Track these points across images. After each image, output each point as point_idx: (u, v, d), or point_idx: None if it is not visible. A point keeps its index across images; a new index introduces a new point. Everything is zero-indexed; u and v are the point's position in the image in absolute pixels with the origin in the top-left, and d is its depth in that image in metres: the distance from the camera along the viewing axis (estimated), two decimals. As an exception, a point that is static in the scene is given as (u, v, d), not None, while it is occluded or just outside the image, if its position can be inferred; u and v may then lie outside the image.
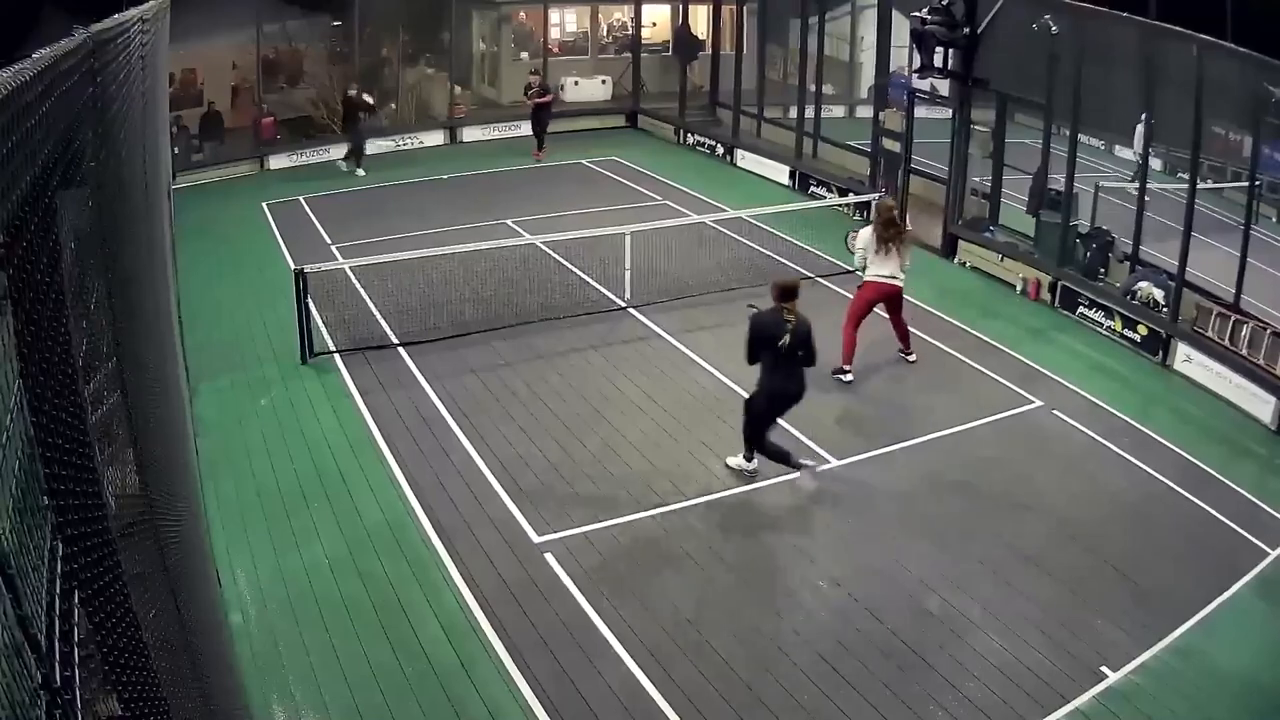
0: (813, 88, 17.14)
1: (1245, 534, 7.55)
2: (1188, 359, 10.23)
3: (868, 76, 17.68)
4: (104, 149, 3.11)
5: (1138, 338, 10.81)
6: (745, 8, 19.28)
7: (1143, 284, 11.00)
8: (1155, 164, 11.31)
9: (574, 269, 12.24)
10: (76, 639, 2.21)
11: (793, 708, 5.75)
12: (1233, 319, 9.94)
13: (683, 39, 20.61)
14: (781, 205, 14.21)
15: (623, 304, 11.40)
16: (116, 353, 2.98)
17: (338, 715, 5.66)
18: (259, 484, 7.93)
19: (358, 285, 11.55)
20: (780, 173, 17.14)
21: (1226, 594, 6.87)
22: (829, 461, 8.35)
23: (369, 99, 17.17)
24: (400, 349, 10.28)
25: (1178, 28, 9.93)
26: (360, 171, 16.92)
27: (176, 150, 15.05)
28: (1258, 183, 11.04)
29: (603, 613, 6.49)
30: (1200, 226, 10.49)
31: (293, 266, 10.43)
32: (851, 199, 14.52)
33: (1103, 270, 11.79)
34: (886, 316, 9.99)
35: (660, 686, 5.88)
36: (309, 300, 10.00)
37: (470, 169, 17.41)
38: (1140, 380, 10.28)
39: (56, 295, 2.06)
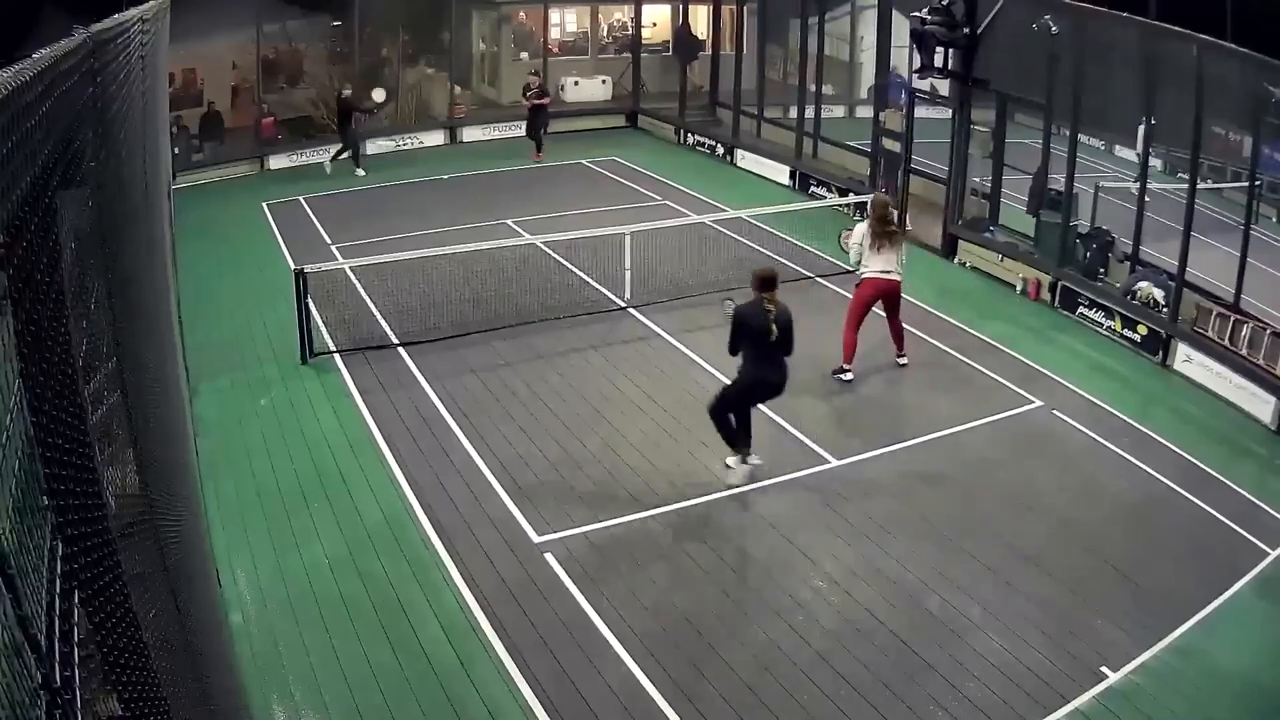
0: (813, 88, 17.14)
1: (1245, 534, 7.55)
2: (1188, 359, 10.24)
3: (868, 76, 17.68)
4: (104, 149, 3.11)
5: (1138, 338, 10.81)
6: (745, 8, 19.28)
7: (1143, 284, 11.00)
8: (1155, 164, 11.30)
9: (574, 269, 12.24)
10: (76, 639, 2.21)
11: (792, 707, 5.75)
12: (1233, 319, 9.95)
13: (683, 39, 20.61)
14: (781, 205, 14.21)
15: (622, 304, 11.40)
16: (116, 353, 2.98)
17: (338, 715, 5.66)
18: (259, 484, 7.93)
19: (358, 285, 11.55)
20: (780, 173, 17.14)
21: (1226, 594, 6.87)
22: (829, 461, 8.36)
23: (375, 98, 17.16)
24: (400, 349, 10.29)
25: (1178, 28, 9.93)
26: (360, 171, 16.91)
27: (176, 150, 15.05)
28: (1258, 183, 11.04)
29: (603, 613, 6.49)
30: (1200, 226, 10.49)
31: (293, 266, 10.43)
32: (851, 199, 14.51)
33: (1103, 270, 11.79)
34: (884, 315, 9.97)
35: (660, 686, 5.88)
36: (309, 300, 10.00)
37: (470, 169, 17.41)
38: (1140, 380, 10.29)
39: (56, 295, 2.06)
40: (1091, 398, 9.60)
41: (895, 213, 10.27)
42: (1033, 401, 9.49)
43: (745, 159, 18.06)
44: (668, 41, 21.54)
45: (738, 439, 7.87)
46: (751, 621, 6.48)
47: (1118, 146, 14.81)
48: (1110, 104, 11.62)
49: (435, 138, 19.35)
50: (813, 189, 16.22)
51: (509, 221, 14.21)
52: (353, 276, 11.56)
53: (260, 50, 17.52)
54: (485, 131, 19.52)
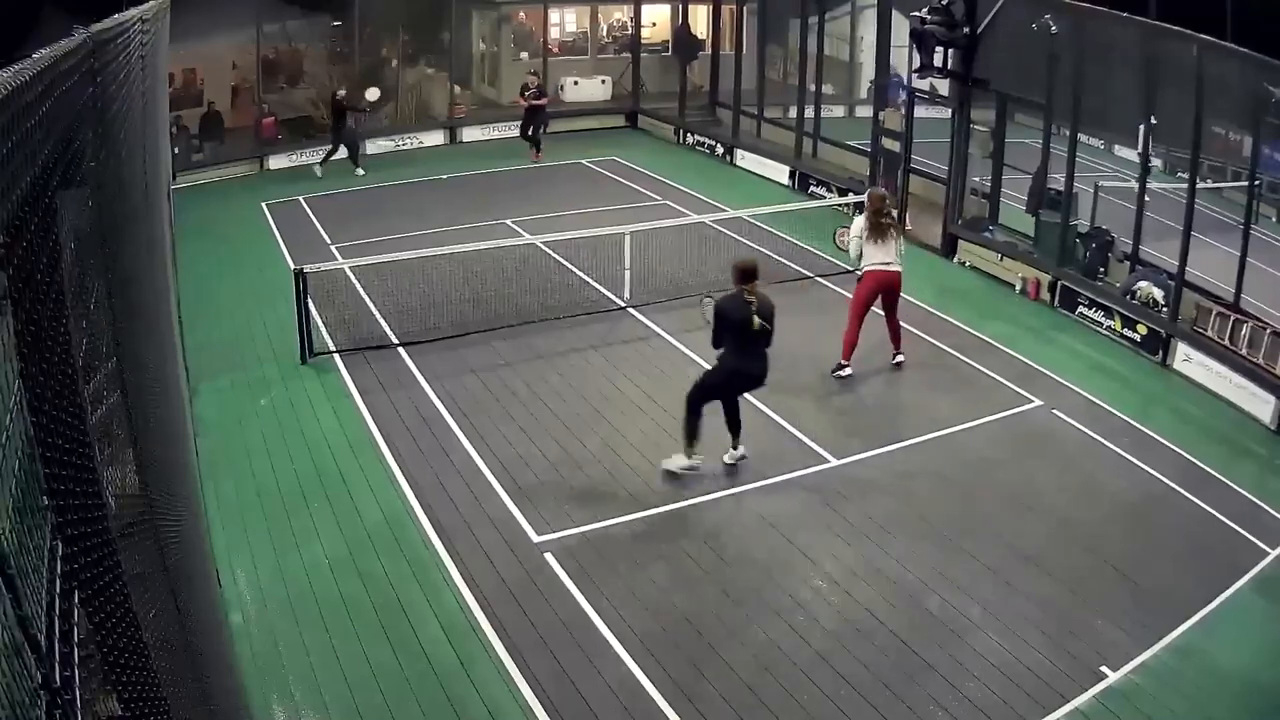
0: (813, 88, 17.15)
1: (1245, 534, 7.55)
2: (1187, 359, 10.24)
3: (867, 76, 17.68)
4: (104, 149, 3.11)
5: (1137, 337, 10.81)
6: (745, 8, 19.28)
7: (1142, 283, 11.00)
8: (1155, 163, 11.30)
9: (574, 269, 12.24)
10: (76, 639, 2.21)
11: (792, 707, 5.75)
12: (1232, 319, 9.95)
13: (682, 39, 20.61)
14: (781, 205, 14.21)
15: (622, 304, 11.40)
16: (116, 353, 2.98)
17: (338, 715, 5.66)
18: (259, 484, 7.93)
19: (357, 285, 11.55)
20: (780, 173, 17.14)
21: (1226, 594, 6.87)
22: (829, 461, 8.36)
23: (369, 97, 17.14)
24: (400, 349, 10.29)
25: (1178, 28, 9.93)
26: (360, 171, 16.91)
27: (176, 150, 15.04)
28: (1258, 182, 11.04)
29: (602, 612, 6.49)
30: (1200, 226, 10.50)
31: (292, 266, 10.43)
32: (851, 198, 14.50)
33: (1102, 270, 11.79)
34: (882, 314, 9.96)
35: (660, 686, 5.88)
36: (309, 300, 10.00)
37: (470, 169, 17.41)
38: (1140, 380, 10.29)
39: (56, 295, 2.06)
40: (1091, 397, 9.60)
41: (891, 204, 10.26)
42: (1032, 401, 9.49)
43: (745, 159, 18.06)
44: (667, 41, 21.53)
45: (698, 436, 7.94)
46: (751, 621, 6.48)
47: (1117, 146, 14.80)
48: (1110, 104, 11.62)
49: (435, 138, 19.34)
50: (812, 189, 16.22)
51: (508, 221, 14.21)
52: (352, 276, 11.56)
53: (260, 50, 17.51)
54: (485, 131, 19.51)
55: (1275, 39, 9.00)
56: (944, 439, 8.78)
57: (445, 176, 16.99)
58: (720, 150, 18.72)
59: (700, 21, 20.89)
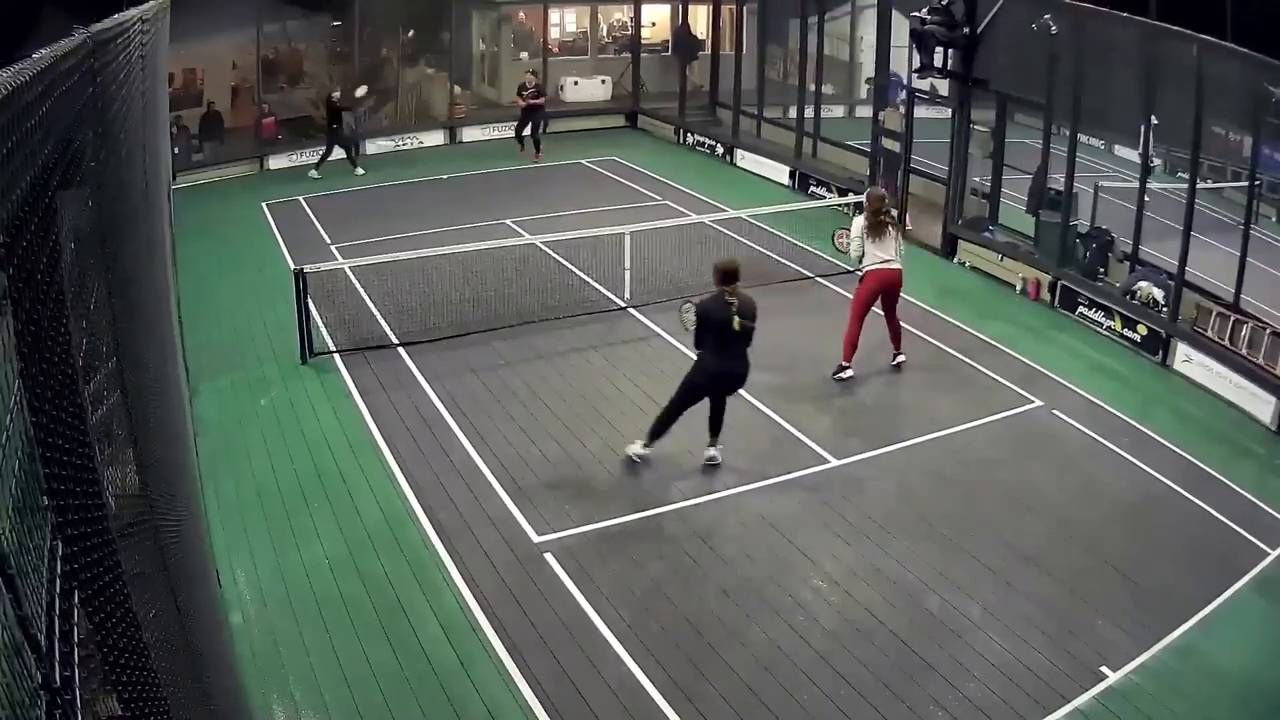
0: (812, 88, 17.15)
1: (1245, 534, 7.55)
2: (1187, 359, 10.24)
3: (867, 76, 17.67)
4: (104, 149, 3.11)
5: (1137, 337, 10.81)
6: (745, 8, 19.28)
7: (1142, 284, 11.00)
8: (1155, 163, 11.30)
9: (574, 269, 12.24)
10: (76, 639, 2.21)
11: (792, 707, 5.75)
12: (1232, 319, 9.94)
13: (682, 39, 20.61)
14: (781, 205, 14.21)
15: (622, 304, 11.40)
16: (116, 353, 2.98)
17: (337, 715, 5.66)
18: (259, 484, 7.93)
19: (358, 285, 11.55)
20: (780, 173, 17.14)
21: (1226, 594, 6.87)
22: (829, 461, 8.36)
23: (358, 94, 17.11)
24: (400, 349, 10.29)
25: (1178, 28, 9.93)
26: (359, 170, 16.92)
27: (176, 150, 15.04)
28: (1258, 183, 11.04)
29: (602, 612, 6.49)
30: (1200, 226, 10.50)
31: (292, 266, 10.43)
32: (851, 199, 14.50)
33: (1102, 270, 11.79)
34: (883, 314, 9.95)
35: (660, 686, 5.88)
36: (309, 300, 10.00)
37: (470, 169, 17.41)
38: (1140, 380, 10.29)
39: (56, 295, 2.06)
40: (1091, 397, 9.60)
41: (890, 204, 10.26)
42: (1032, 401, 9.49)
43: (745, 159, 18.06)
44: (667, 41, 21.53)
45: (663, 435, 8.05)
46: (751, 621, 6.48)
47: (1117, 146, 14.81)
48: (1110, 104, 11.61)
49: (435, 138, 19.35)
50: (812, 189, 16.22)
51: (508, 221, 14.21)
52: (352, 276, 11.56)
53: (260, 50, 17.51)
54: (485, 131, 19.50)
55: (1275, 39, 9.00)
56: (944, 439, 8.78)
57: (445, 176, 16.99)
58: (720, 150, 18.72)
59: (700, 21, 20.89)
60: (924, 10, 12.55)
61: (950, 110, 13.17)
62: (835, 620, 6.51)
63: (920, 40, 12.80)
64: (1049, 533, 7.49)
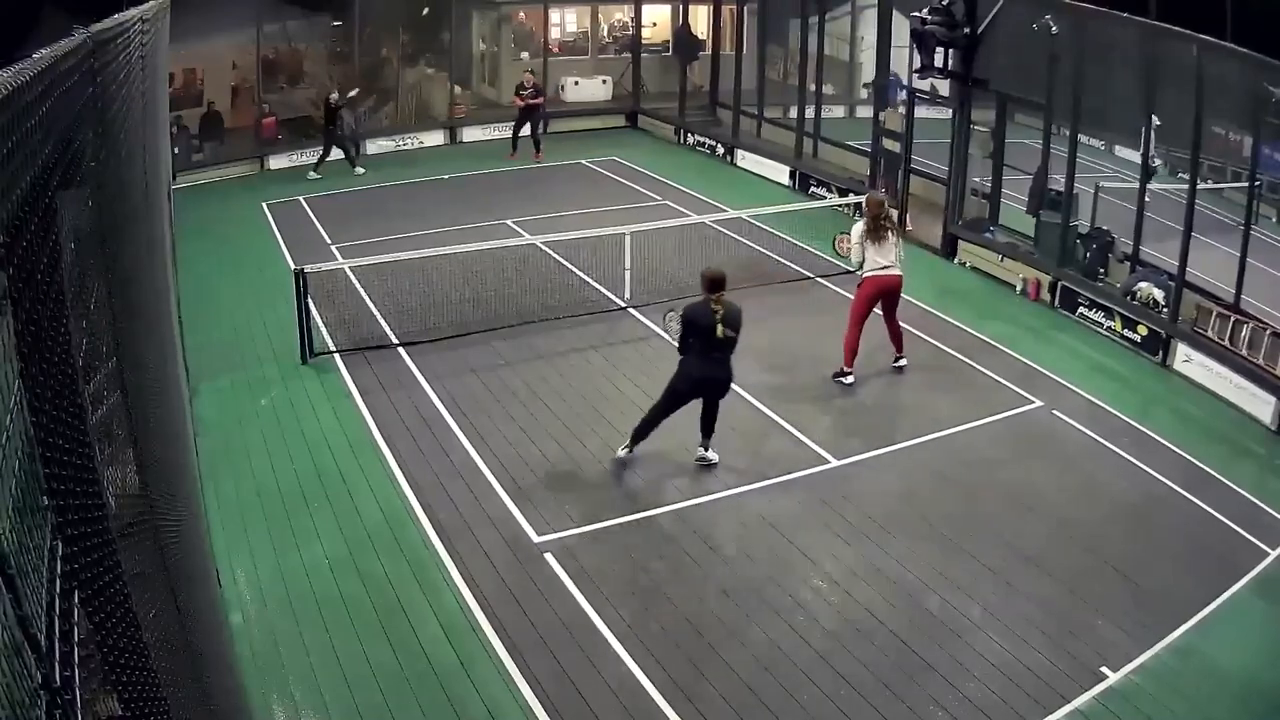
0: (813, 88, 17.15)
1: (1245, 534, 7.55)
2: (1188, 359, 10.24)
3: (868, 76, 17.68)
4: (104, 149, 3.11)
5: (1138, 338, 10.81)
6: (745, 8, 19.28)
7: (1143, 284, 11.00)
8: (1157, 164, 11.30)
9: (574, 269, 12.24)
10: (76, 639, 2.21)
11: (793, 708, 5.75)
12: (1233, 319, 9.94)
13: (683, 39, 20.60)
14: (781, 205, 14.21)
15: (622, 304, 11.40)
16: (116, 353, 2.98)
17: (337, 715, 5.66)
18: (259, 484, 7.93)
19: (358, 285, 11.55)
20: (780, 173, 17.14)
21: (1226, 594, 6.87)
22: (829, 461, 8.36)
23: (349, 93, 17.10)
24: (400, 349, 10.29)
25: (1178, 28, 9.93)
26: (359, 170, 16.93)
27: (176, 150, 15.03)
28: (1258, 183, 11.04)
29: (602, 612, 6.49)
30: (1200, 226, 10.49)
31: (293, 266, 10.43)
32: (851, 199, 14.51)
33: (1103, 270, 11.78)
34: (882, 316, 9.94)
35: (660, 686, 5.88)
36: (309, 300, 10.00)
37: (470, 169, 17.40)
38: (1140, 380, 10.28)
39: (56, 295, 2.06)
40: (1091, 398, 9.60)
41: (889, 207, 10.25)
42: (1033, 402, 9.49)
43: (745, 159, 18.06)
44: (668, 41, 21.52)
45: (644, 438, 8.11)
46: (751, 621, 6.48)
47: (1118, 147, 14.80)
48: (1110, 104, 11.62)
49: (435, 138, 19.34)
50: (813, 189, 16.22)
51: (509, 221, 14.21)
52: (352, 276, 11.56)
53: (260, 50, 17.51)
54: (485, 131, 19.49)
55: (1275, 39, 9.00)
56: (944, 439, 8.78)
57: (446, 176, 16.99)
58: (720, 150, 18.72)
59: (700, 21, 20.89)
60: (924, 10, 12.55)
61: (950, 110, 13.17)
62: (835, 620, 6.51)
63: (920, 40, 12.80)
64: (1049, 533, 7.49)
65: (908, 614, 6.57)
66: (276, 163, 17.47)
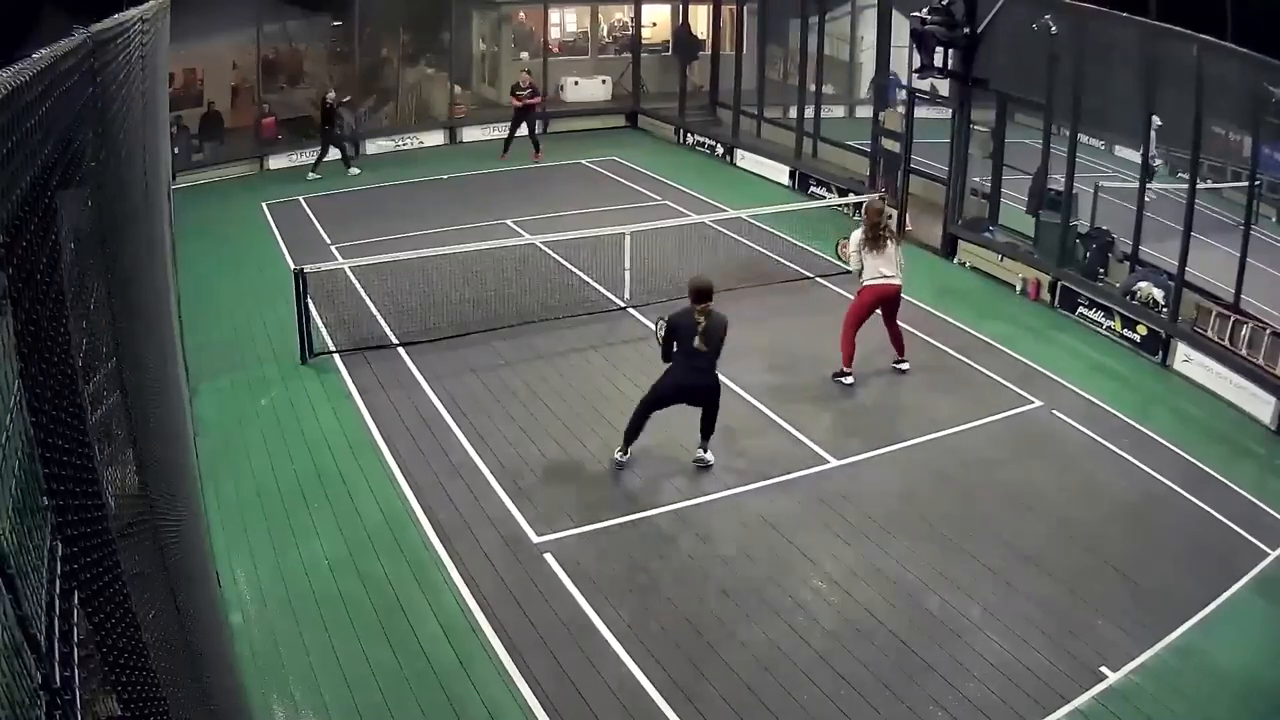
0: (813, 88, 17.14)
1: (1245, 534, 7.55)
2: (1187, 359, 10.24)
3: (868, 76, 17.68)
4: (104, 149, 3.11)
5: (1137, 338, 10.81)
6: (745, 8, 19.28)
7: (1142, 284, 11.00)
8: (1158, 164, 11.30)
9: (574, 269, 12.24)
10: (76, 639, 2.21)
11: (793, 708, 5.75)
12: (1232, 319, 9.94)
13: (683, 39, 20.61)
14: (781, 205, 14.21)
15: (622, 304, 11.40)
16: (116, 353, 2.98)
17: (337, 715, 5.66)
18: (259, 484, 7.93)
19: (357, 285, 11.55)
20: (780, 173, 17.14)
21: (1226, 594, 6.87)
22: (829, 461, 8.36)
23: (343, 101, 17.10)
24: (400, 349, 10.29)
25: (1178, 28, 9.93)
26: (353, 170, 16.91)
27: (176, 150, 15.04)
28: (1258, 183, 11.04)
29: (602, 613, 6.49)
30: (1200, 226, 10.49)
31: (292, 266, 10.43)
32: (851, 199, 14.51)
33: (1102, 270, 11.79)
34: (882, 320, 9.93)
35: (660, 686, 5.88)
36: (309, 300, 10.00)
37: (470, 169, 17.40)
38: (1140, 380, 10.28)
39: (56, 295, 2.06)
40: (1091, 398, 9.60)
41: (890, 216, 10.22)
42: (1032, 401, 9.49)
43: (745, 159, 18.06)
44: (668, 41, 21.53)
45: (635, 439, 8.14)
46: (751, 621, 6.48)
47: (1118, 147, 14.81)
48: (1110, 104, 11.61)
49: (435, 138, 19.35)
50: (812, 189, 16.22)
51: (509, 221, 14.21)
52: (352, 276, 11.56)
53: (260, 50, 17.51)
54: (485, 131, 19.47)
55: (1275, 39, 9.00)
56: (944, 439, 8.78)
57: (445, 176, 16.99)
58: (720, 150, 18.72)
59: (700, 21, 20.89)
60: (924, 10, 12.55)
61: (950, 110, 13.17)
62: (835, 620, 6.51)
63: (920, 40, 12.80)
64: (1049, 533, 7.49)
65: (907, 614, 6.57)
66: (276, 163, 17.47)
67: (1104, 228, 12.05)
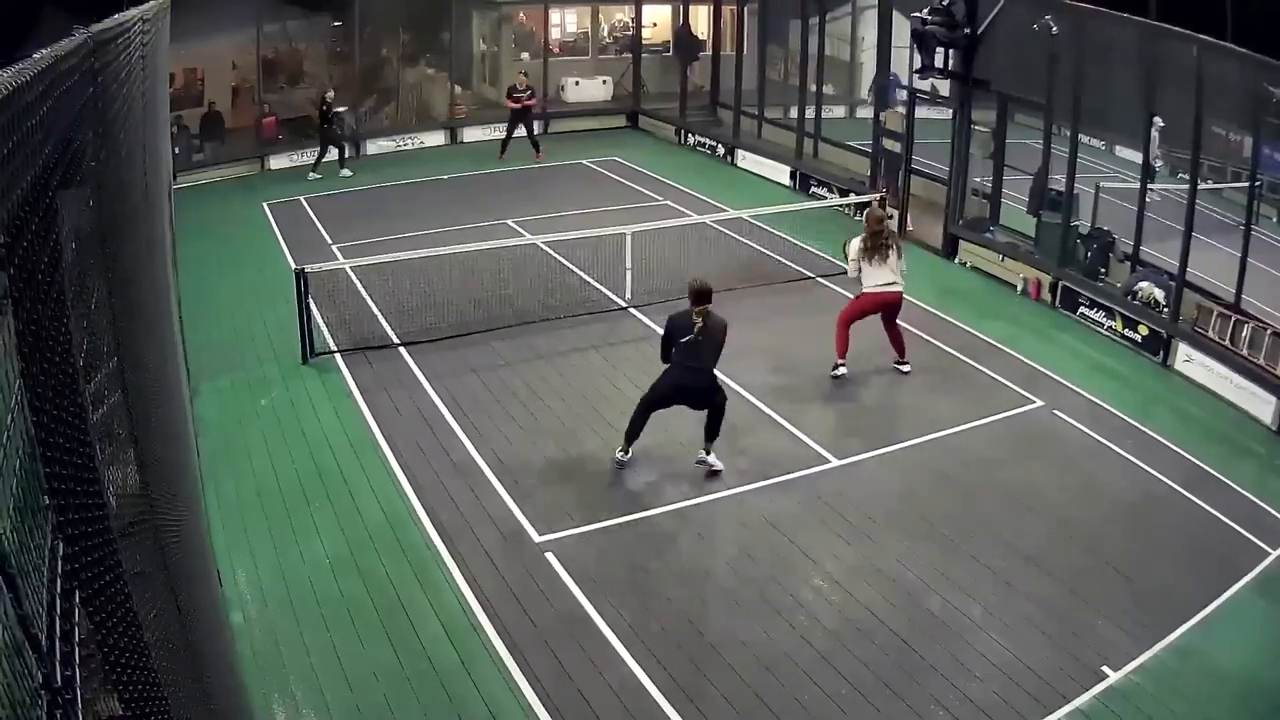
0: (813, 88, 17.14)
1: (1245, 534, 7.55)
2: (1188, 359, 10.23)
3: (868, 77, 17.67)
4: (104, 149, 3.11)
5: (1138, 338, 10.81)
6: (745, 8, 19.27)
7: (1143, 284, 11.00)
8: (1160, 164, 11.29)
9: (574, 269, 12.24)
10: (77, 639, 2.21)
11: (793, 707, 5.75)
12: (1233, 319, 9.94)
13: (683, 39, 20.61)
14: (782, 205, 14.21)
15: (623, 304, 11.40)
16: (116, 353, 2.98)
17: (338, 714, 5.66)
18: (259, 483, 7.93)
19: (358, 285, 11.56)
20: (781, 173, 17.14)
21: (1226, 594, 6.87)
22: (829, 461, 8.36)
23: (337, 110, 17.10)
24: (401, 349, 10.29)
25: (1178, 28, 9.92)
26: (345, 172, 16.90)
27: (177, 150, 15.04)
28: (1258, 183, 11.03)
29: (603, 612, 6.49)
30: (1201, 226, 10.49)
31: (293, 266, 10.43)
32: (852, 199, 14.52)
33: (1103, 270, 11.78)
34: (882, 324, 9.91)
35: (660, 686, 5.88)
36: (310, 300, 10.00)
37: (470, 169, 17.41)
38: (1141, 380, 10.28)
39: (57, 295, 2.06)
40: (1092, 398, 9.60)
41: (890, 223, 10.19)
42: (1033, 401, 9.49)
43: (746, 159, 18.06)
44: (668, 42, 21.53)
45: (636, 438, 8.13)
46: (752, 621, 6.48)
47: (1118, 147, 14.80)
48: (1111, 104, 11.61)
49: (435, 138, 19.35)
50: (813, 189, 16.22)
51: (509, 221, 14.21)
52: (353, 276, 11.56)
53: (260, 50, 17.52)
54: (485, 131, 19.47)
55: (1275, 39, 9.00)
56: (945, 439, 8.78)
57: (446, 177, 17.00)
58: (721, 150, 18.72)
59: (701, 22, 20.90)
60: (925, 10, 12.55)
61: (951, 111, 13.16)
62: (836, 620, 6.51)
63: (921, 41, 12.80)
64: (1049, 533, 7.49)
65: (908, 614, 6.57)
66: (277, 163, 17.47)
67: (1105, 228, 12.05)
